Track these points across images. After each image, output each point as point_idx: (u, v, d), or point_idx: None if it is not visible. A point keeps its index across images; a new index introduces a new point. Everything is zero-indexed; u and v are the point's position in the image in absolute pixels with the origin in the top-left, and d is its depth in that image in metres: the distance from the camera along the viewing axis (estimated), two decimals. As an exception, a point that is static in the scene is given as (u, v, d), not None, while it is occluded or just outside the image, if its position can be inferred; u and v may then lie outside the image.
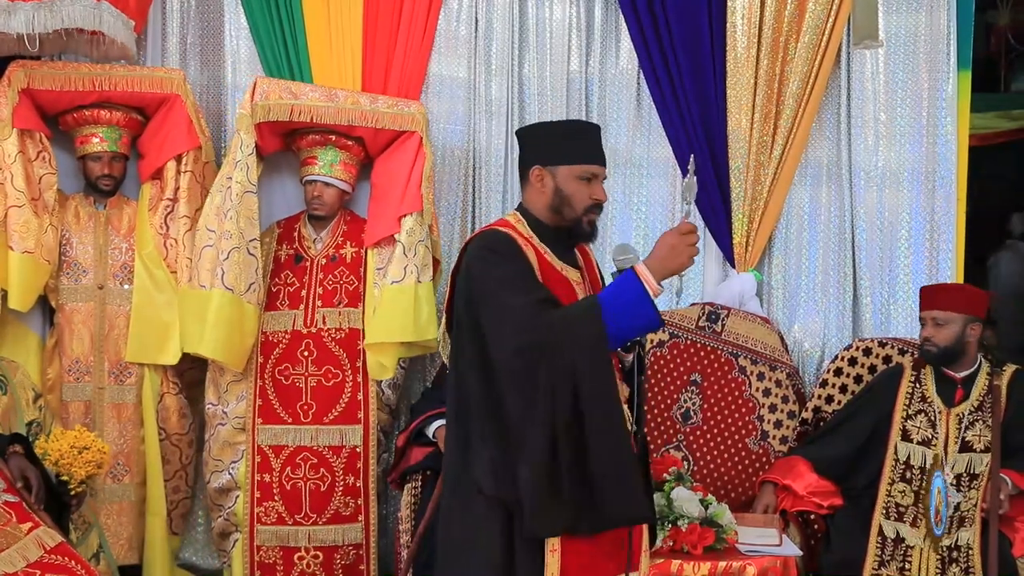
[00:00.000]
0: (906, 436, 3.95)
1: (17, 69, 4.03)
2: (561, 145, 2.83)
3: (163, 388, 4.25)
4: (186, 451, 4.32)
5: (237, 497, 4.16)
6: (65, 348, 4.18)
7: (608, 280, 2.82)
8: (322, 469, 4.15)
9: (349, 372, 4.20)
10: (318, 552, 4.14)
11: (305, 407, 4.17)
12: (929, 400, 3.95)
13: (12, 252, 3.96)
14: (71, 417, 4.15)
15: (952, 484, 3.82)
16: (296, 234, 4.33)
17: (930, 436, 3.90)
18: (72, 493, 3.62)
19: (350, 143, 4.23)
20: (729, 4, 4.39)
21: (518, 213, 2.87)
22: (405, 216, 4.13)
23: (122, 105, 4.19)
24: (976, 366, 3.95)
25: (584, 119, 4.53)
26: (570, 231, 2.84)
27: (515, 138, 4.41)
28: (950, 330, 3.88)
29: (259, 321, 4.14)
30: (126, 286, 4.23)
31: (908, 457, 3.92)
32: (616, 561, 2.73)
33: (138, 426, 4.23)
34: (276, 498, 4.13)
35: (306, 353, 4.20)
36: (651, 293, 2.61)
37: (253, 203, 4.03)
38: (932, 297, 3.95)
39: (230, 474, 4.17)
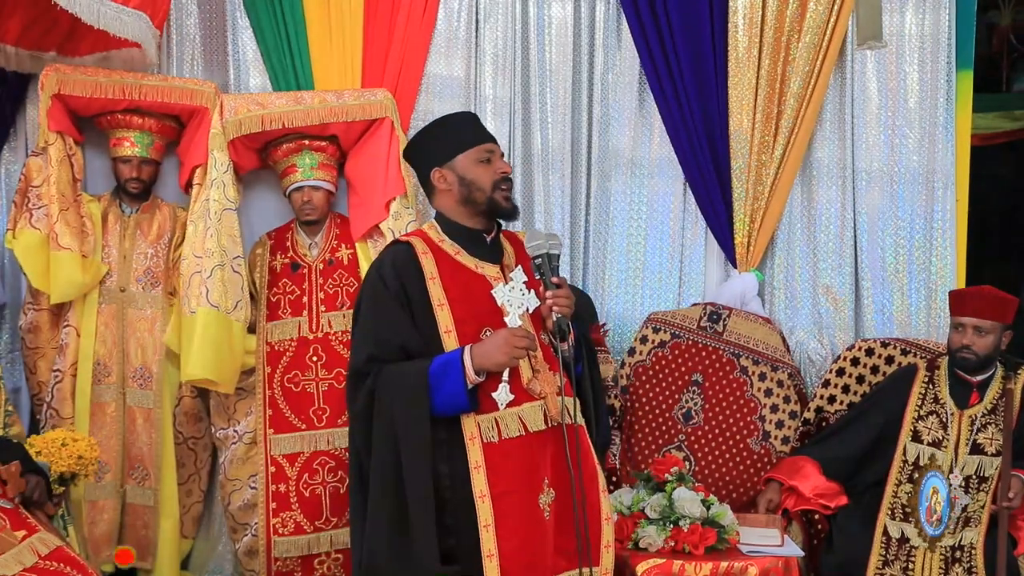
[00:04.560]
0: (916, 437, 3.94)
1: (50, 73, 4.07)
2: (446, 140, 2.88)
3: (181, 391, 4.25)
4: (201, 455, 4.32)
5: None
6: (73, 346, 4.17)
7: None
8: (340, 472, 4.12)
9: None
10: (339, 554, 4.12)
11: (318, 412, 4.16)
12: (942, 401, 3.94)
13: (59, 251, 4.01)
14: (94, 420, 4.13)
15: (960, 486, 3.82)
16: (289, 242, 4.32)
17: (941, 437, 3.90)
18: (51, 490, 3.56)
19: (324, 143, 4.23)
20: (731, 4, 4.38)
21: (434, 221, 2.93)
22: (391, 201, 4.13)
23: (156, 112, 4.21)
24: (993, 370, 3.95)
25: (589, 118, 4.57)
26: (489, 212, 2.87)
27: (516, 138, 4.49)
28: (990, 339, 3.85)
29: (244, 339, 4.10)
30: (148, 291, 4.23)
31: (917, 458, 3.91)
32: (567, 557, 2.75)
33: (160, 429, 4.23)
34: (294, 507, 4.10)
35: (315, 358, 4.20)
36: (468, 382, 2.69)
37: (233, 220, 4.04)
38: (975, 304, 3.87)
39: (252, 488, 4.15)
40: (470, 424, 2.74)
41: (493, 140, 2.93)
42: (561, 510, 2.77)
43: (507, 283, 2.77)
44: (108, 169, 4.33)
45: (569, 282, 3.18)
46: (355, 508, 2.87)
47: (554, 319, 2.73)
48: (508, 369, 2.72)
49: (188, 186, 4.26)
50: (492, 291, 2.75)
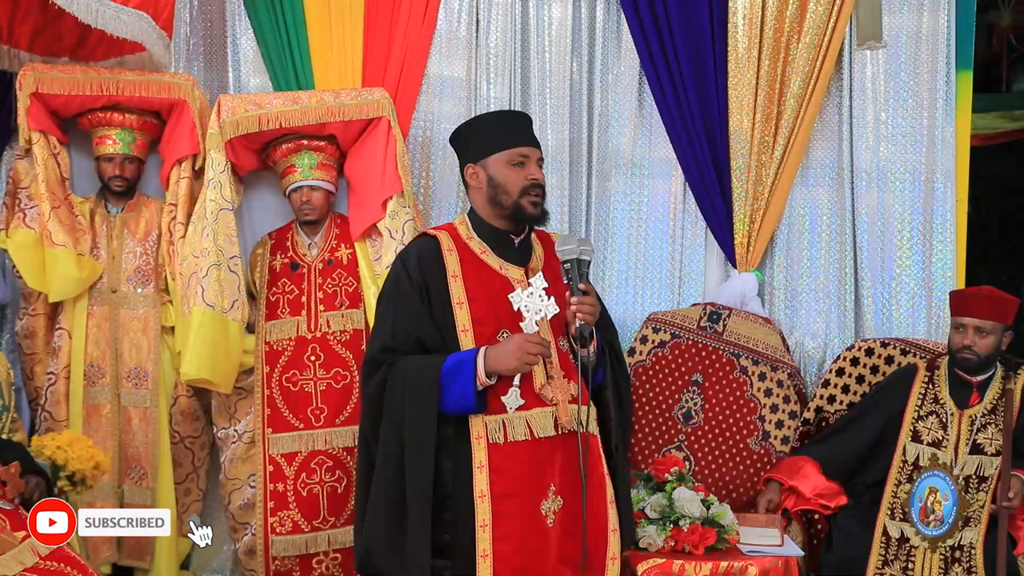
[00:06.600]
0: (916, 437, 3.94)
1: (28, 72, 4.06)
2: (486, 138, 2.87)
3: (177, 391, 4.25)
4: (199, 454, 4.31)
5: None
6: (66, 348, 4.17)
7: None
8: (338, 471, 4.12)
9: (357, 372, 4.19)
10: (337, 554, 4.12)
11: (316, 411, 4.16)
12: (942, 401, 3.94)
13: (54, 248, 4.00)
14: (89, 421, 4.12)
15: (960, 486, 3.82)
16: (289, 243, 4.32)
17: (940, 437, 3.90)
18: (52, 490, 3.54)
19: (322, 143, 4.23)
20: (730, 4, 4.39)
21: (466, 216, 2.93)
22: (388, 200, 4.13)
23: (136, 108, 4.20)
24: (993, 370, 3.95)
25: (589, 118, 4.58)
26: (513, 217, 2.85)
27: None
28: (991, 339, 3.86)
29: (242, 338, 4.10)
30: (140, 289, 4.23)
31: (917, 458, 3.92)
32: (572, 566, 2.74)
33: (157, 429, 4.22)
34: (292, 506, 4.10)
35: (313, 358, 4.20)
36: (477, 384, 2.69)
37: (230, 220, 4.04)
38: (976, 304, 3.88)
39: (252, 487, 4.15)
40: (477, 424, 2.74)
41: (534, 145, 2.89)
42: (568, 518, 2.76)
43: (527, 288, 2.76)
44: (93, 172, 4.30)
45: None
46: (360, 494, 2.88)
47: (576, 325, 2.71)
48: (519, 374, 2.72)
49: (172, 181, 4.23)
50: (509, 296, 2.74)
